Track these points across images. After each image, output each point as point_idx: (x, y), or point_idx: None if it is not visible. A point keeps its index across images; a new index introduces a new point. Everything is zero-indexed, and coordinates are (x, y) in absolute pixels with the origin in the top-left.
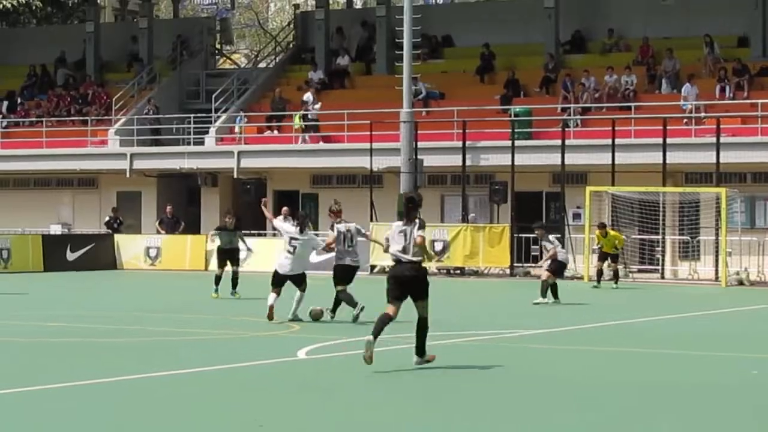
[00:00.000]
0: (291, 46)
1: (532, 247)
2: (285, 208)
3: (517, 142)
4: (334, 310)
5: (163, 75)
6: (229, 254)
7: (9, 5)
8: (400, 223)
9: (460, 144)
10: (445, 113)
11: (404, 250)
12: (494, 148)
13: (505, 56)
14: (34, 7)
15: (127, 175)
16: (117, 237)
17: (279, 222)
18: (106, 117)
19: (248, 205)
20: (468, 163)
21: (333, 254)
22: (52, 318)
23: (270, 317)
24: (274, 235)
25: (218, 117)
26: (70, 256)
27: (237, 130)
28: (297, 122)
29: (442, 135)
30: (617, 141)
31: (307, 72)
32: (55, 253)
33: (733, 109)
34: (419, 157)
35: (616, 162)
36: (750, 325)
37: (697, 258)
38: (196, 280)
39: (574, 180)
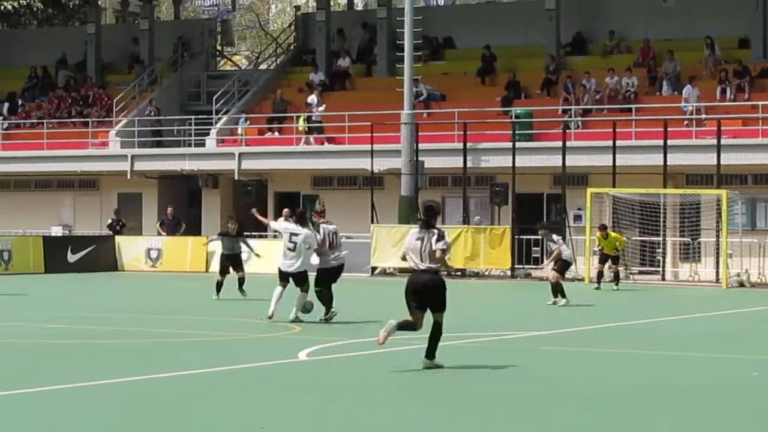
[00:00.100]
0: (292, 47)
1: (533, 248)
2: (286, 210)
3: (518, 144)
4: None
5: (164, 76)
6: (231, 260)
7: (10, 7)
8: (417, 230)
9: (461, 145)
10: (446, 115)
11: (420, 258)
12: (495, 150)
13: (506, 58)
14: (35, 9)
15: (128, 177)
16: (118, 239)
17: (277, 222)
18: (107, 118)
19: (249, 206)
20: (469, 164)
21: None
22: (53, 319)
23: (270, 317)
24: (275, 236)
25: (219, 119)
26: (71, 257)
27: (240, 131)
28: (302, 124)
29: (442, 137)
30: (618, 143)
31: (307, 74)
32: (55, 255)
33: (734, 111)
34: (420, 158)
35: (617, 164)
36: (751, 326)
37: (698, 260)
38: (197, 282)
39: (575, 182)
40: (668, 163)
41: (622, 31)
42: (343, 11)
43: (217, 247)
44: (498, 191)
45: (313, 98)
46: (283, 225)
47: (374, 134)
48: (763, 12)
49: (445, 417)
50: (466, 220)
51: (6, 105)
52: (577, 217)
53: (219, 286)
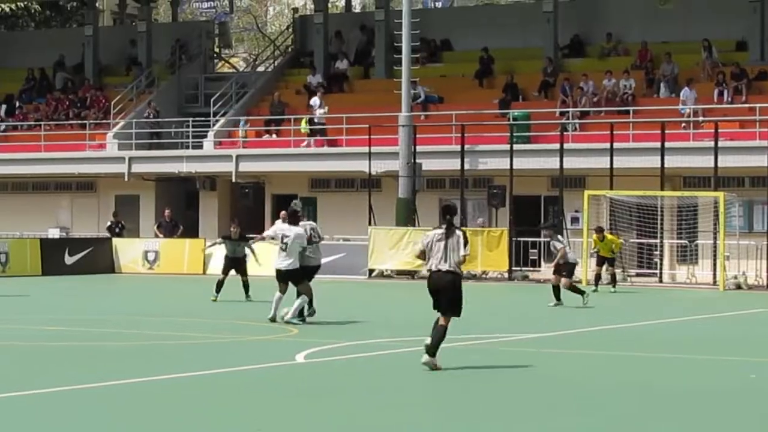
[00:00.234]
0: (290, 50)
1: (531, 251)
2: (283, 213)
3: (516, 146)
4: (310, 306)
5: (161, 79)
6: (234, 263)
7: (8, 9)
8: (439, 231)
9: (458, 148)
10: (443, 117)
11: (445, 259)
12: (493, 152)
13: (503, 60)
14: (32, 11)
15: (126, 179)
16: (115, 241)
17: (269, 230)
18: (104, 121)
19: (247, 209)
20: (467, 167)
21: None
22: (50, 322)
23: (272, 320)
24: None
25: (217, 121)
26: (69, 259)
27: (241, 133)
28: (303, 126)
29: (440, 139)
30: (616, 145)
31: (305, 76)
32: (53, 257)
33: (732, 113)
34: (418, 160)
35: (615, 166)
36: (748, 329)
37: (695, 262)
38: (195, 284)
39: (572, 184)
40: (666, 165)
41: (620, 33)
42: (340, 13)
43: (214, 251)
44: (495, 193)
45: (315, 100)
46: (273, 229)
47: (372, 136)
48: (760, 15)
49: (445, 419)
50: (463, 222)
51: (3, 107)
52: (575, 220)
53: (219, 285)
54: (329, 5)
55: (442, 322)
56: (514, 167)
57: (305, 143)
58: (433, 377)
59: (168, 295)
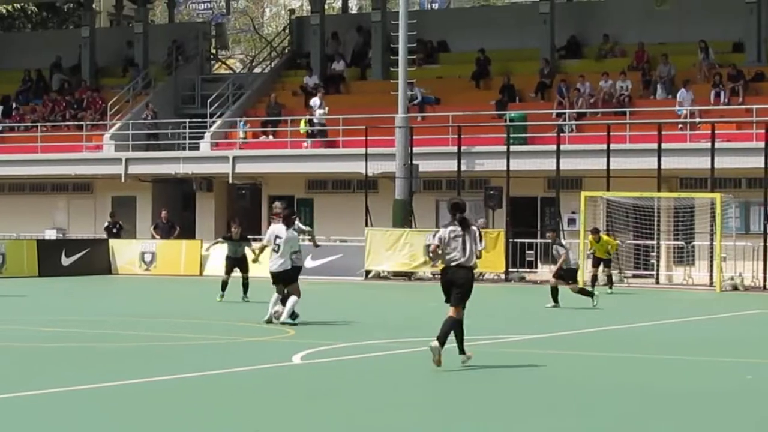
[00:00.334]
0: (286, 51)
1: (527, 252)
2: (276, 207)
3: (513, 147)
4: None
5: (158, 80)
6: (236, 263)
7: (4, 10)
8: (454, 228)
9: (455, 149)
10: (440, 118)
11: (463, 254)
12: (489, 153)
13: (500, 61)
14: (29, 12)
15: (122, 180)
16: (112, 242)
17: (265, 239)
18: (101, 122)
19: (243, 210)
20: (463, 168)
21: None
22: (47, 323)
23: (269, 321)
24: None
25: (213, 122)
26: (65, 261)
27: (241, 134)
28: (303, 127)
29: (437, 140)
30: (612, 146)
31: (302, 77)
32: (49, 258)
33: (728, 115)
34: (414, 162)
35: (611, 167)
36: (744, 330)
37: (692, 263)
38: (191, 285)
39: (569, 185)
40: (662, 166)
41: (617, 34)
42: (337, 15)
43: (212, 251)
44: (492, 194)
45: (315, 101)
46: (268, 234)
47: (369, 137)
48: (757, 16)
49: (442, 420)
50: None
51: (0, 108)
52: (571, 221)
53: (224, 285)
54: (326, 6)
55: (451, 313)
56: (511, 168)
57: (305, 144)
58: (430, 378)
59: (165, 296)
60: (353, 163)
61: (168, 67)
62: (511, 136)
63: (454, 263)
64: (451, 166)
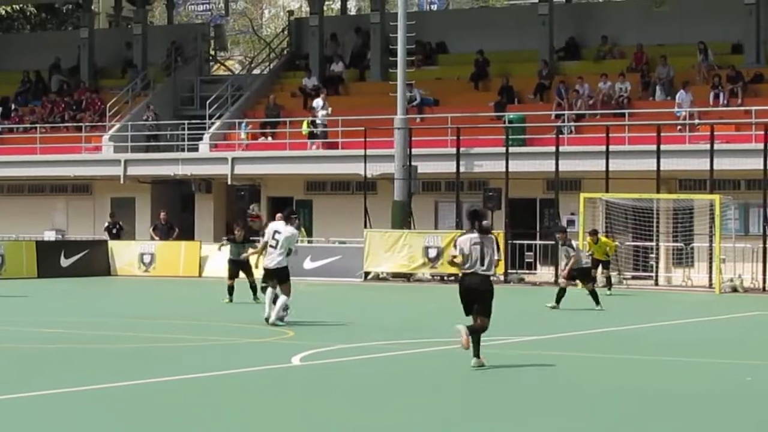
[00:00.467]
0: (285, 52)
1: (527, 253)
2: (279, 215)
3: (511, 149)
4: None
5: (157, 81)
6: (239, 266)
7: (3, 11)
8: (473, 236)
9: (454, 150)
10: (439, 120)
11: (482, 263)
12: (488, 155)
13: (499, 63)
14: (28, 14)
15: (121, 182)
16: (111, 243)
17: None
18: (100, 123)
19: (242, 211)
20: (462, 169)
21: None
22: (46, 324)
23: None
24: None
25: (212, 123)
26: (64, 262)
27: (242, 135)
28: (305, 128)
29: (436, 141)
30: (611, 148)
31: (301, 78)
32: (48, 260)
33: (727, 116)
34: (413, 163)
35: (610, 169)
36: (744, 331)
37: (691, 265)
38: (190, 287)
39: (568, 187)
40: (661, 168)
41: (615, 36)
42: (336, 16)
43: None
44: (491, 196)
45: (318, 102)
46: (268, 230)
47: (367, 139)
48: (756, 17)
49: (442, 421)
50: (459, 225)
51: None
52: (571, 222)
53: (230, 290)
54: (324, 8)
55: (478, 323)
56: (510, 170)
57: (314, 146)
58: (428, 379)
59: (164, 297)
60: (352, 165)
61: (167, 69)
62: (510, 137)
63: (471, 271)
64: (450, 167)
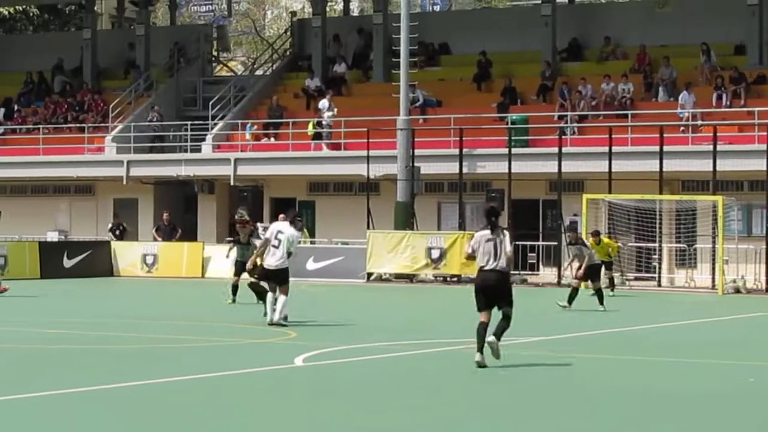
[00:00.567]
0: (288, 53)
1: (529, 254)
2: (282, 215)
3: (514, 150)
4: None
5: (160, 82)
6: (244, 267)
7: (6, 12)
8: (487, 232)
9: (456, 151)
10: (442, 121)
11: (495, 258)
12: (491, 156)
13: (502, 64)
14: (31, 14)
15: (124, 182)
16: (114, 244)
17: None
18: (103, 124)
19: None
20: (465, 170)
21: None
22: (49, 325)
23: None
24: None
25: (215, 124)
26: (67, 263)
27: (248, 136)
28: (311, 129)
29: (439, 142)
30: (614, 149)
31: (303, 79)
32: (51, 260)
33: (730, 117)
34: (416, 164)
35: (613, 170)
36: (747, 333)
37: (694, 266)
38: (193, 288)
39: (570, 188)
40: (664, 169)
41: (618, 37)
42: (339, 17)
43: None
44: (494, 197)
45: (324, 103)
46: (270, 229)
47: (370, 140)
48: (759, 18)
49: (444, 422)
50: (462, 226)
51: (2, 110)
52: (573, 223)
53: (234, 289)
54: (327, 9)
55: (505, 312)
56: (513, 171)
57: (313, 146)
58: (431, 380)
59: (166, 298)
60: (355, 166)
61: (169, 70)
62: (512, 138)
63: (486, 267)
64: (452, 168)
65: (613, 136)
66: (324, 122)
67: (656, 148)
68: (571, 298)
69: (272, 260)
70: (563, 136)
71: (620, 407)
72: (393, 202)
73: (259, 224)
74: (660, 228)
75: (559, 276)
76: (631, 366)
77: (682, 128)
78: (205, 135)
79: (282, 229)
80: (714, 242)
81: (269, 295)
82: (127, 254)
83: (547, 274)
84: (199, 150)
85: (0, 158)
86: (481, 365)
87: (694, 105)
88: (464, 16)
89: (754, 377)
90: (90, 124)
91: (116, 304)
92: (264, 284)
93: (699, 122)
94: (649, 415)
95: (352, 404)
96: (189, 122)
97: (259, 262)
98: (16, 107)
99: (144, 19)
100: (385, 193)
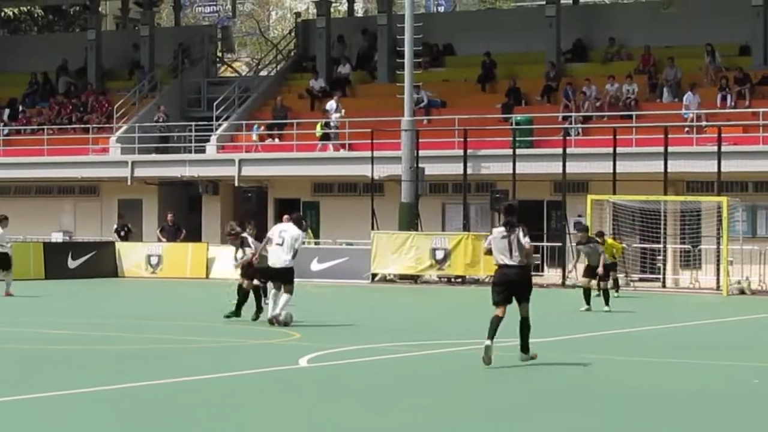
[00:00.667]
0: (292, 54)
1: (534, 255)
2: (286, 216)
3: (519, 151)
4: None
5: (164, 83)
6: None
7: (11, 13)
8: (502, 230)
9: (461, 152)
10: (446, 121)
11: (510, 254)
12: (495, 157)
13: (506, 64)
14: (35, 15)
15: (129, 183)
16: (118, 245)
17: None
18: (107, 125)
19: (250, 213)
20: (469, 171)
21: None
22: (53, 325)
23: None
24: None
25: (219, 125)
26: (72, 263)
27: (254, 138)
28: (318, 130)
29: (443, 143)
30: (618, 150)
31: (308, 80)
32: (56, 261)
33: (735, 118)
34: (420, 165)
35: (618, 171)
36: (751, 334)
37: (699, 267)
38: (198, 288)
39: (575, 188)
40: (669, 170)
41: (623, 38)
42: (343, 18)
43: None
44: (498, 198)
45: (332, 104)
46: (273, 229)
47: (374, 141)
48: (763, 19)
49: (449, 423)
50: (466, 227)
51: (6, 111)
52: (578, 224)
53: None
54: (331, 10)
55: (522, 313)
56: (517, 172)
57: (318, 147)
58: (435, 380)
59: (171, 299)
60: (359, 166)
61: (174, 70)
62: (517, 139)
63: (502, 263)
64: (457, 169)
65: (617, 137)
66: (332, 123)
67: (661, 149)
68: (587, 299)
69: (277, 259)
70: (568, 137)
71: (624, 407)
72: (397, 203)
73: (246, 234)
74: (664, 229)
75: (564, 277)
76: (636, 367)
77: (686, 129)
78: (210, 136)
79: (286, 228)
80: (718, 243)
81: (272, 292)
82: (131, 255)
83: (552, 275)
84: (203, 151)
85: (5, 159)
86: (488, 352)
87: (698, 106)
88: (468, 16)
89: (759, 378)
90: (94, 125)
91: (120, 305)
92: (246, 284)
93: (703, 123)
94: (653, 415)
95: (356, 405)
96: (193, 123)
97: (255, 263)
98: (20, 108)
99: (148, 20)
100: (390, 193)
